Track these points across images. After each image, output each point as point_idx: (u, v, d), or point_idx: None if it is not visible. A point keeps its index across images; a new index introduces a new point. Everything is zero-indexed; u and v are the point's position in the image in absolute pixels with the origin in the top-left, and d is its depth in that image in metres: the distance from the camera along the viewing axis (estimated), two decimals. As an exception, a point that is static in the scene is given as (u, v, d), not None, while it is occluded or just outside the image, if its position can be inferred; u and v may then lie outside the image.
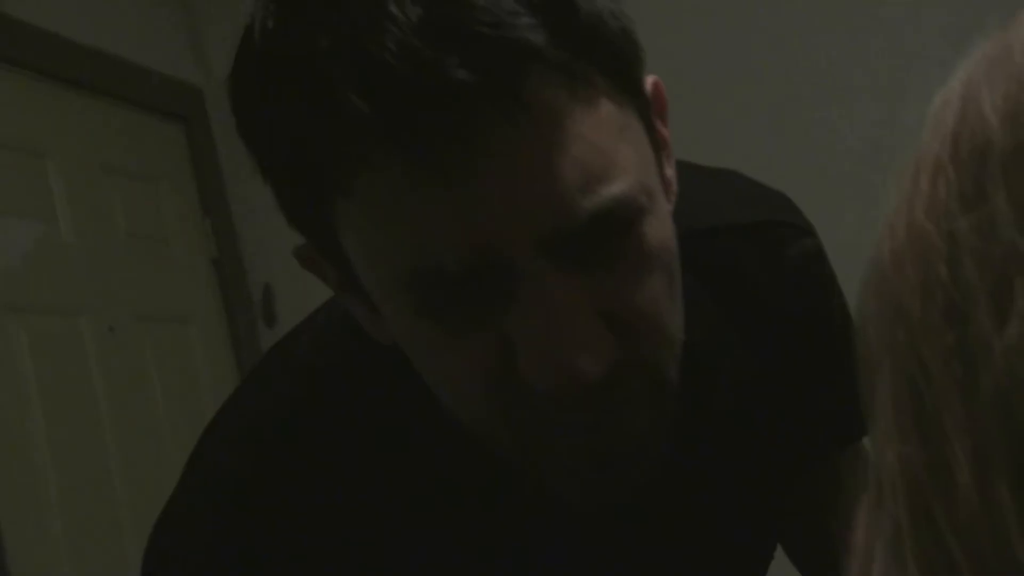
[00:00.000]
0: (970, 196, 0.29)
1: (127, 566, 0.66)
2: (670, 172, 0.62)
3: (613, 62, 0.55)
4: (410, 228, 0.53)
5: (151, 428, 2.29)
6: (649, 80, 0.60)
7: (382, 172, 0.52)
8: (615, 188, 0.53)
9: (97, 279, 2.26)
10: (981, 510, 0.28)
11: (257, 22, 0.55)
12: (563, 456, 0.59)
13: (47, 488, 2.00)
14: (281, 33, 0.54)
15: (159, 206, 2.51)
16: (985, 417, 0.28)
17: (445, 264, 0.53)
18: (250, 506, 0.69)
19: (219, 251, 2.62)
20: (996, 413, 0.27)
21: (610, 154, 0.54)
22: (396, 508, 0.69)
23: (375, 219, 0.54)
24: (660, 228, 0.58)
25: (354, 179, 0.53)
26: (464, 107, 0.50)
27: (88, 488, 2.09)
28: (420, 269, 0.53)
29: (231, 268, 2.64)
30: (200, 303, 2.58)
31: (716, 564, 0.79)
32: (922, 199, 0.32)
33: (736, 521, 0.78)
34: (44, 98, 2.25)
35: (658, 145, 0.61)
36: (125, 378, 2.26)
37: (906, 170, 0.34)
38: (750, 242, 0.74)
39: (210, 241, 2.62)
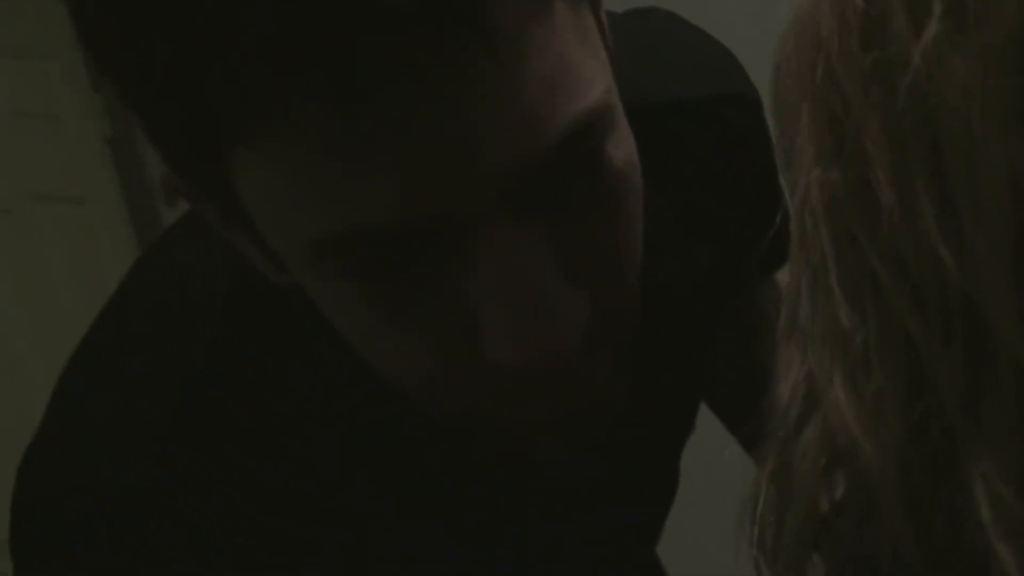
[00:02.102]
0: None
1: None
2: None
3: None
4: (341, 185, 0.42)
5: (53, 309, 2.25)
6: None
7: (301, 124, 0.41)
8: (585, 102, 0.45)
9: (-12, 161, 2.19)
10: (902, 219, 0.29)
11: None
12: (527, 423, 0.53)
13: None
14: None
15: (48, 84, 2.42)
16: (903, 125, 0.29)
17: (385, 224, 0.43)
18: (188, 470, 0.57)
19: (113, 130, 2.55)
20: (914, 116, 0.28)
21: (575, 66, 0.45)
22: (384, 507, 0.61)
23: (291, 177, 0.43)
24: (625, 142, 0.49)
25: (262, 135, 0.42)
26: (404, 36, 0.39)
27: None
28: (351, 231, 0.44)
29: (127, 147, 2.57)
30: (97, 183, 2.52)
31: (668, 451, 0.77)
32: None
33: (683, 408, 0.76)
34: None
35: (605, 36, 0.50)
36: (24, 260, 2.21)
37: None
38: (694, 121, 0.64)
39: (104, 120, 2.54)
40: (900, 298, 0.29)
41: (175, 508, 0.57)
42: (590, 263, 0.48)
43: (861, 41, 0.31)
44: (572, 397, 0.51)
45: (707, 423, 0.78)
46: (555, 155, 0.44)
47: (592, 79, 0.46)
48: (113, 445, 0.58)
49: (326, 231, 0.44)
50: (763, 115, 0.67)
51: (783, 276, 0.80)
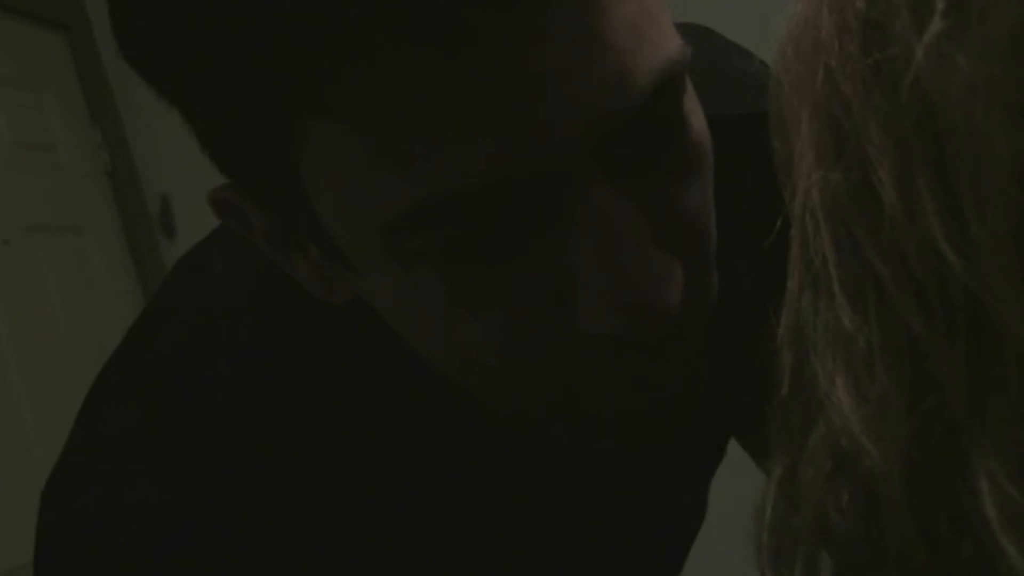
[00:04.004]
0: None
1: (35, 482, 0.59)
2: None
3: None
4: (429, 142, 0.40)
5: (52, 340, 2.25)
6: None
7: (389, 71, 0.38)
8: (669, 51, 0.43)
9: (-14, 192, 2.19)
10: (904, 218, 0.29)
11: None
12: (612, 408, 0.50)
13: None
14: None
15: (45, 117, 2.43)
16: (905, 123, 0.28)
17: (475, 186, 0.40)
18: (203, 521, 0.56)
19: (112, 162, 2.56)
20: (916, 113, 0.28)
21: (655, 15, 0.43)
22: (387, 511, 0.59)
23: (375, 142, 0.40)
24: (698, 109, 0.48)
25: (345, 93, 0.39)
26: None
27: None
28: (437, 198, 0.41)
29: (125, 179, 2.58)
30: (95, 214, 2.52)
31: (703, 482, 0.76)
32: None
33: (724, 436, 0.75)
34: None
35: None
36: (23, 291, 2.21)
37: None
38: (739, 138, 0.61)
39: (102, 152, 2.55)
40: (903, 298, 0.29)
41: (198, 539, 0.56)
42: (677, 229, 0.46)
43: (862, 43, 0.31)
44: (656, 379, 0.49)
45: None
46: (645, 110, 0.42)
47: (670, 30, 0.45)
48: (137, 474, 0.57)
49: (410, 202, 0.41)
50: None
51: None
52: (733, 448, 0.83)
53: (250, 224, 0.50)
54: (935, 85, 0.27)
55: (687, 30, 0.68)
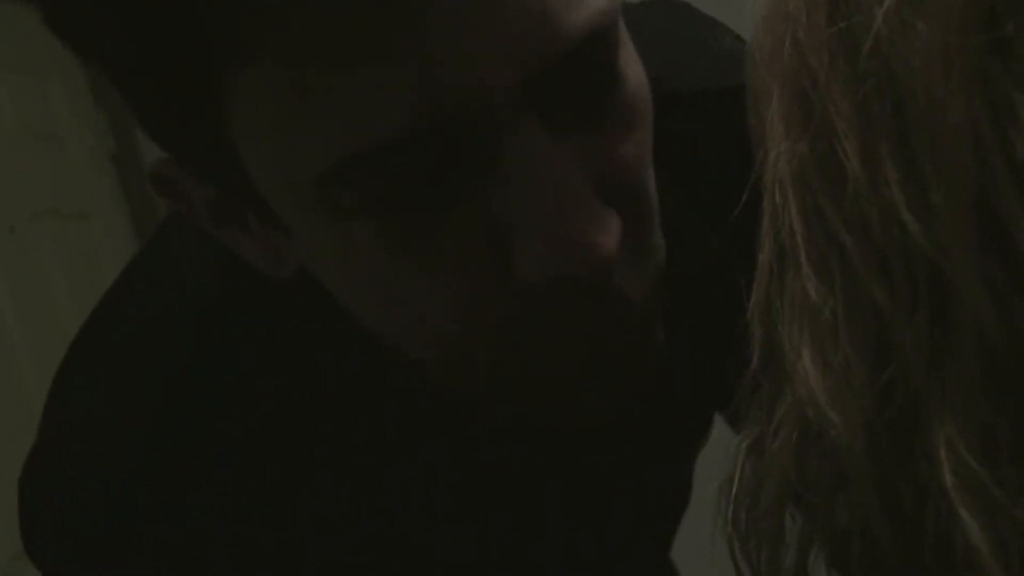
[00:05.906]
0: None
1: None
2: None
3: None
4: (355, 89, 0.39)
5: (59, 327, 2.25)
6: None
7: (304, 17, 0.38)
8: (597, 5, 0.43)
9: (-8, 179, 2.19)
10: (868, 187, 0.29)
11: None
12: (559, 368, 0.49)
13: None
14: None
15: (50, 103, 2.43)
16: (867, 90, 0.28)
17: (403, 132, 0.40)
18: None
19: (117, 147, 2.56)
20: (877, 81, 0.28)
21: None
22: (386, 511, 0.60)
23: (300, 93, 0.40)
24: (636, 64, 0.48)
25: (266, 35, 0.39)
26: None
27: (-1, 390, 2.06)
28: (366, 147, 0.40)
29: (131, 164, 2.58)
30: (101, 199, 2.52)
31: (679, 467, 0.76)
32: None
33: (704, 415, 0.74)
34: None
35: None
36: (29, 277, 2.21)
37: None
38: (721, 111, 0.58)
39: (107, 136, 2.55)
40: (867, 267, 0.29)
41: (164, 511, 0.56)
42: (614, 183, 0.46)
43: (828, 14, 0.31)
44: (607, 338, 0.48)
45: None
46: (574, 61, 0.42)
47: None
48: (101, 450, 0.57)
49: (340, 152, 0.41)
50: None
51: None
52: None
53: (191, 202, 0.50)
54: (895, 51, 0.27)
55: (663, 4, 0.68)
